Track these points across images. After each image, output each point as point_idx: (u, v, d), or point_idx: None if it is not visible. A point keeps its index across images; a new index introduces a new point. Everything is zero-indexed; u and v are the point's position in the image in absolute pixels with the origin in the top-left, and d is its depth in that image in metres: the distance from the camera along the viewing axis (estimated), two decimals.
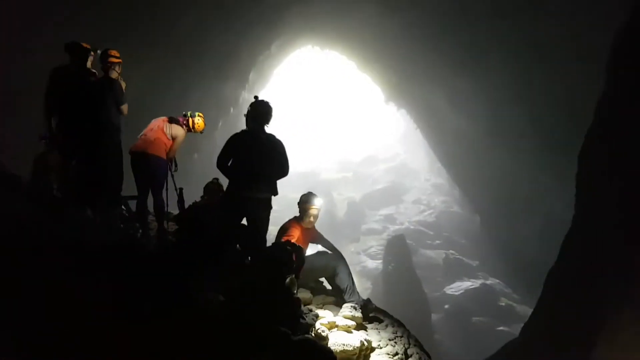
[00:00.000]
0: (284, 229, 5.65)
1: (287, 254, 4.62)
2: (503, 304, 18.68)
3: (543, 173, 14.22)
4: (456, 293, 19.42)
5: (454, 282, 20.50)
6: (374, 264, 22.85)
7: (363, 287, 21.33)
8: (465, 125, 17.93)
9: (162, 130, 6.23)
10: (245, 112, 5.18)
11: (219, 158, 5.01)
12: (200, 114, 6.71)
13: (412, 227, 27.69)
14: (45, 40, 8.94)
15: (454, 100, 17.51)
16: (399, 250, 18.28)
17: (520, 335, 6.78)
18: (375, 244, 26.00)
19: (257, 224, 5.04)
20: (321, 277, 5.87)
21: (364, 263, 24.12)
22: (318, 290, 5.82)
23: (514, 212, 17.02)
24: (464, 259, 22.68)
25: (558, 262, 6.65)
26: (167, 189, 6.39)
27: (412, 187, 36.69)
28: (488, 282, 20.15)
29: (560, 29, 11.21)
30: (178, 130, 6.36)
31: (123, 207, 6.78)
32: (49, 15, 9.34)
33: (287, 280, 4.36)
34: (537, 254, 15.74)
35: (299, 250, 4.98)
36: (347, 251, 26.13)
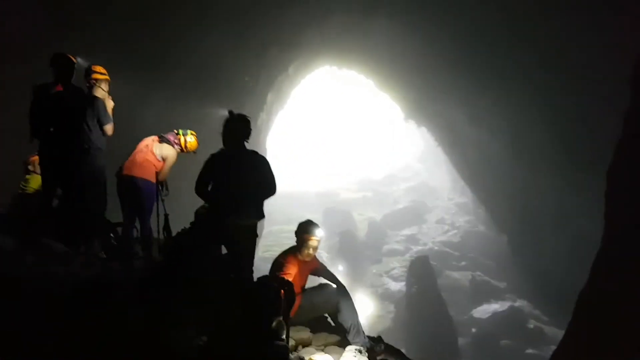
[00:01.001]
0: (278, 264, 5.05)
1: (273, 292, 4.10)
2: (532, 326, 17.99)
3: (570, 191, 13.73)
4: (484, 317, 18.79)
5: (481, 304, 19.86)
6: (397, 286, 22.32)
7: (386, 311, 20.83)
8: (487, 142, 17.55)
9: (151, 151, 5.86)
10: (221, 130, 4.73)
11: (196, 183, 4.63)
12: (193, 132, 6.31)
13: (435, 247, 27.09)
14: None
15: (475, 117, 17.20)
16: (422, 271, 17.82)
17: None
18: (398, 265, 25.48)
19: (242, 253, 4.70)
20: (322, 314, 5.27)
21: (387, 285, 23.61)
22: (320, 327, 5.22)
23: (541, 231, 16.47)
24: (491, 280, 22.01)
25: (588, 284, 6.23)
26: (157, 215, 5.99)
27: (435, 207, 36.10)
28: (516, 304, 19.47)
29: (583, 44, 10.88)
30: (169, 151, 6.00)
31: (112, 234, 6.33)
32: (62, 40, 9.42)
33: (274, 323, 3.81)
34: (566, 274, 15.11)
35: (289, 286, 4.35)
36: (369, 273, 25.72)
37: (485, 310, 19.20)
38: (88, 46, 9.50)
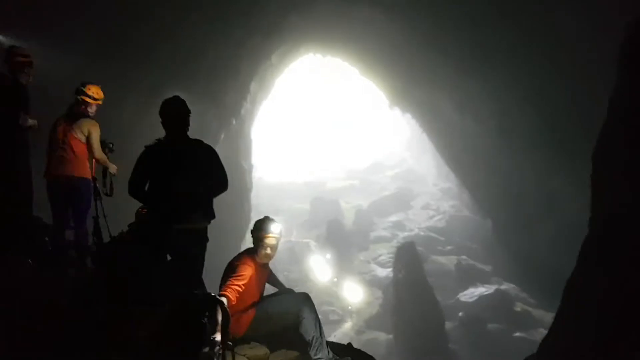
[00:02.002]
0: (231, 267, 4.37)
1: (203, 310, 3.32)
2: (519, 309, 18.21)
3: (555, 175, 13.82)
4: (470, 300, 18.97)
5: (467, 288, 20.05)
6: (384, 273, 22.45)
7: (374, 297, 20.96)
8: (472, 127, 17.57)
9: (72, 137, 5.09)
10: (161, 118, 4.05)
11: (129, 182, 3.89)
12: (91, 84, 5.31)
13: (422, 233, 27.26)
14: None
15: (461, 103, 17.18)
16: (409, 257, 17.87)
17: (538, 355, 6.30)
18: (385, 252, 25.61)
19: (189, 262, 4.00)
20: (281, 326, 4.47)
21: (374, 272, 23.74)
22: (279, 342, 4.49)
23: (526, 215, 16.59)
24: (476, 264, 22.23)
25: (576, 271, 6.21)
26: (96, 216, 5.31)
27: (421, 193, 36.30)
28: (502, 287, 19.68)
29: (569, 25, 10.87)
30: (87, 124, 5.19)
31: (47, 238, 5.52)
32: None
33: (205, 349, 3.16)
34: (552, 257, 15.28)
35: (221, 305, 3.55)
36: (357, 260, 25.81)
37: (471, 293, 19.39)
38: (64, 36, 9.23)
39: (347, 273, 24.57)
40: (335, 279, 23.81)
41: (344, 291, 22.62)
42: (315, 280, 24.14)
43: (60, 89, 6.14)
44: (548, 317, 16.81)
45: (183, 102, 4.12)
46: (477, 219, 24.39)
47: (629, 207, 5.64)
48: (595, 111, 8.28)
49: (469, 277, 20.95)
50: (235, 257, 4.60)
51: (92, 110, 5.35)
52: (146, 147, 4.00)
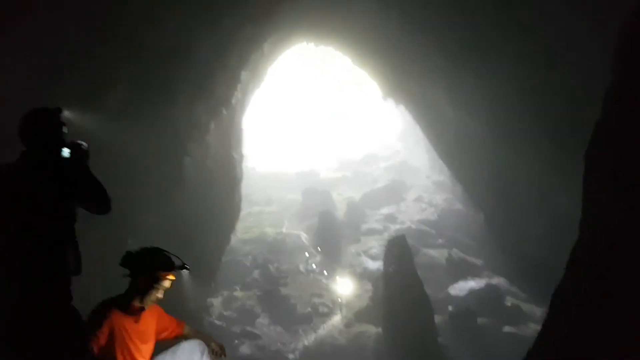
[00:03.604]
0: (96, 319, 3.39)
1: None
2: (509, 303, 18.18)
3: (548, 170, 13.73)
4: (460, 294, 18.92)
5: (457, 282, 19.99)
6: (375, 265, 22.35)
7: (364, 290, 20.90)
8: (466, 121, 17.45)
9: None
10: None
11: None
12: None
13: (413, 226, 27.18)
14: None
15: (454, 96, 17.04)
16: (399, 250, 17.74)
17: None
18: (377, 245, 25.51)
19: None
20: None
21: (365, 264, 23.66)
22: None
23: (518, 210, 16.55)
24: (468, 258, 22.17)
25: (566, 276, 6.03)
26: None
27: (413, 185, 36.19)
28: (493, 281, 19.65)
29: (564, 19, 10.68)
30: None
31: None
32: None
33: None
34: (543, 252, 15.27)
35: None
36: (348, 252, 25.73)
37: (462, 287, 19.34)
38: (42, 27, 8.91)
39: (338, 265, 24.52)
40: (325, 272, 23.74)
41: (334, 283, 22.56)
42: (305, 272, 24.08)
43: None
44: (538, 311, 16.83)
45: (30, 114, 3.29)
46: (470, 212, 24.35)
47: (621, 210, 5.44)
48: (590, 108, 8.14)
49: (459, 271, 20.89)
50: (103, 304, 3.56)
51: None
52: None
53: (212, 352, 3.90)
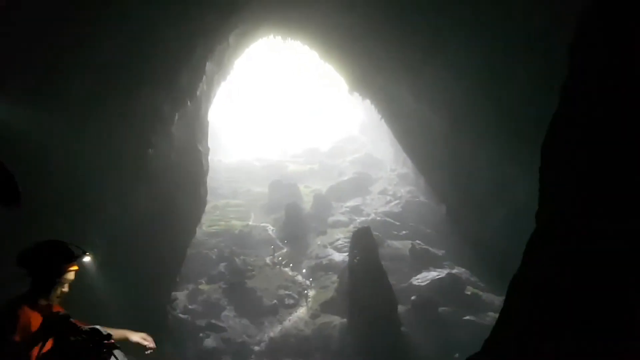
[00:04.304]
0: (8, 318, 3.04)
1: None
2: (469, 292, 18.74)
3: (506, 162, 14.18)
4: (422, 284, 19.36)
5: (420, 272, 20.45)
6: (341, 257, 22.62)
7: (330, 281, 21.10)
8: (429, 115, 17.77)
9: None
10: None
11: None
12: None
13: (378, 218, 27.58)
14: None
15: (418, 90, 17.32)
16: (364, 242, 18.01)
17: (482, 352, 6.34)
18: (342, 237, 25.79)
19: None
20: None
21: (331, 256, 23.88)
22: None
23: (478, 201, 17.01)
24: (430, 248, 22.69)
25: (523, 264, 6.21)
26: None
27: (379, 178, 36.67)
28: (454, 271, 20.19)
29: (523, 14, 11.03)
30: None
31: None
32: None
33: None
34: (501, 242, 15.79)
35: None
36: (314, 244, 25.87)
37: (424, 277, 19.78)
38: None
39: (305, 257, 24.67)
40: (291, 264, 23.85)
41: (301, 275, 22.71)
42: (271, 264, 24.12)
43: None
44: (497, 300, 17.44)
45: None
46: (432, 204, 24.90)
47: (575, 202, 5.63)
48: (548, 102, 8.44)
49: (422, 261, 21.37)
50: (12, 302, 3.17)
51: None
52: None
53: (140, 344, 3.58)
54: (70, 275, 3.33)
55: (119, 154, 12.52)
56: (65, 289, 3.33)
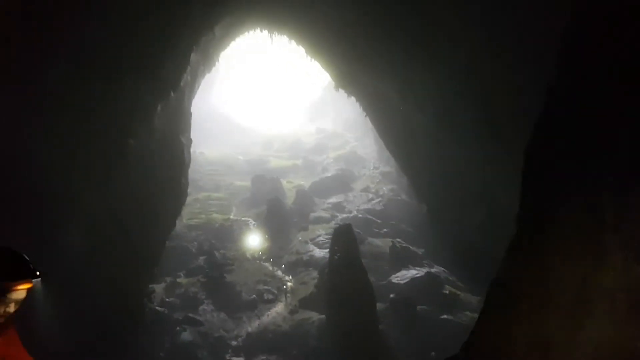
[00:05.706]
0: None
1: None
2: (447, 292, 18.92)
3: (489, 163, 14.30)
4: (401, 282, 19.48)
5: (399, 270, 20.56)
6: (322, 253, 22.62)
7: (310, 277, 21.09)
8: (414, 114, 17.84)
9: None
10: None
11: None
12: None
13: (360, 215, 27.63)
14: None
15: (403, 89, 17.36)
16: (345, 239, 18.01)
17: (461, 354, 6.36)
18: (324, 233, 25.77)
19: None
20: None
21: (312, 252, 23.85)
22: None
23: (459, 201, 17.17)
24: (410, 247, 22.83)
25: (502, 266, 6.22)
26: None
27: (362, 175, 36.74)
28: (433, 270, 20.35)
29: (513, 17, 11.07)
30: None
31: None
32: None
33: None
34: (480, 243, 15.97)
35: None
36: (295, 240, 25.84)
37: (403, 275, 19.90)
38: None
39: (285, 253, 24.61)
40: (272, 259, 23.77)
41: (280, 271, 22.65)
42: (251, 259, 24.02)
43: None
44: (474, 300, 17.64)
45: None
46: (414, 203, 25.04)
47: (555, 206, 5.65)
48: (532, 105, 8.50)
49: (402, 260, 21.47)
50: None
51: None
52: None
53: None
54: (17, 294, 2.80)
55: (98, 143, 12.30)
56: (11, 309, 2.80)
